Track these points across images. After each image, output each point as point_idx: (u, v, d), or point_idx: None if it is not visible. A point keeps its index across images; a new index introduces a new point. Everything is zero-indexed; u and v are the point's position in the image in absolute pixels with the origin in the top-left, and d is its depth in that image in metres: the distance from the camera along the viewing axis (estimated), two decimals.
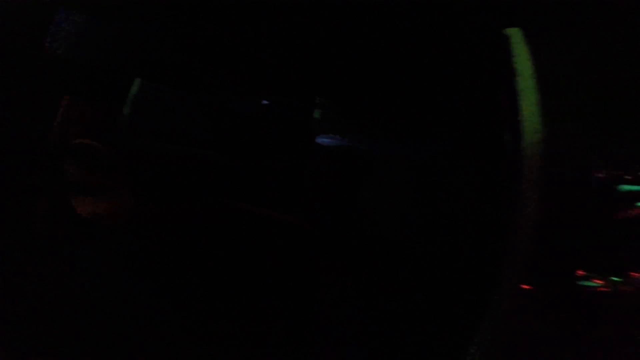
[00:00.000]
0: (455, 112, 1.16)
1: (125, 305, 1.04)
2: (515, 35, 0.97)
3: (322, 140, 1.44)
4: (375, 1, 1.17)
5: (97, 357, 1.00)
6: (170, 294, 1.14)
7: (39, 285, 0.98)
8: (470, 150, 1.07)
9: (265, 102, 1.54)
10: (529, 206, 0.64)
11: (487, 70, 1.07)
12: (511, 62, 0.91)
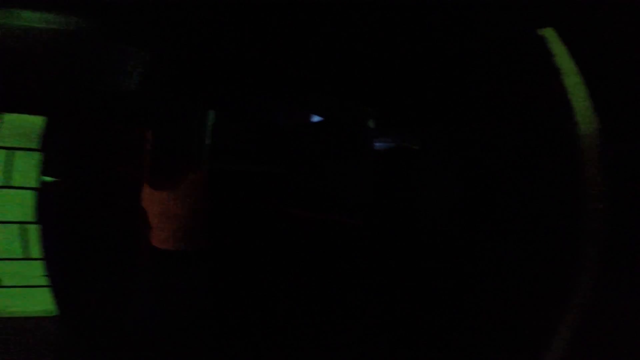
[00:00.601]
0: (497, 111, 1.64)
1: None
2: (550, 35, 1.28)
3: (378, 145, 2.35)
4: (417, 16, 1.70)
5: None
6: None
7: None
8: (522, 147, 1.45)
9: (320, 116, 2.53)
10: (594, 195, 0.91)
11: (523, 69, 1.49)
12: (551, 61, 1.18)
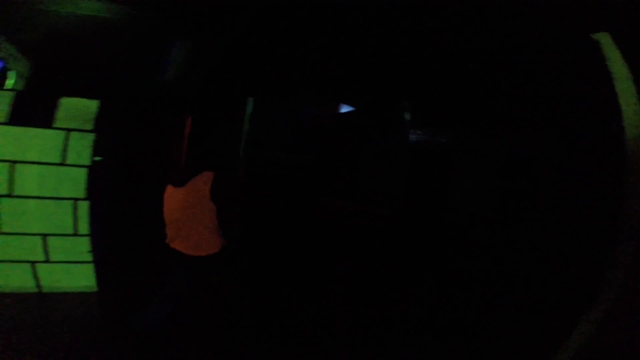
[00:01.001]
0: (549, 111, 1.75)
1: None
2: (604, 39, 1.37)
3: (414, 138, 2.53)
4: (464, 12, 1.80)
5: None
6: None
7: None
8: (568, 147, 1.55)
9: (358, 108, 2.79)
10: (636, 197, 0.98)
11: (578, 72, 1.59)
12: (605, 65, 1.27)
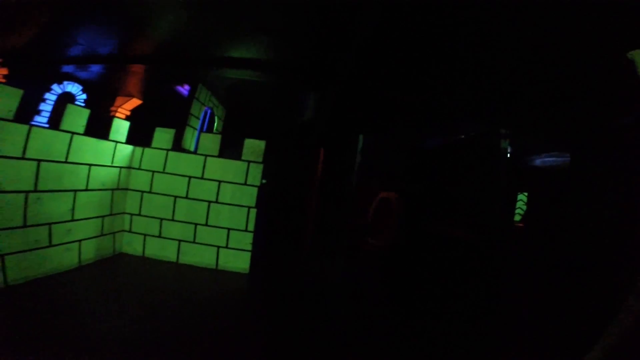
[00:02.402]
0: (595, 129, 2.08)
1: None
2: (638, 57, 1.66)
3: (515, 164, 3.08)
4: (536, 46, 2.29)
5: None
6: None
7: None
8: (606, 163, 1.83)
9: (461, 137, 3.45)
10: None
11: (614, 92, 1.91)
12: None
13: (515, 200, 2.43)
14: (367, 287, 3.14)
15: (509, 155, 2.68)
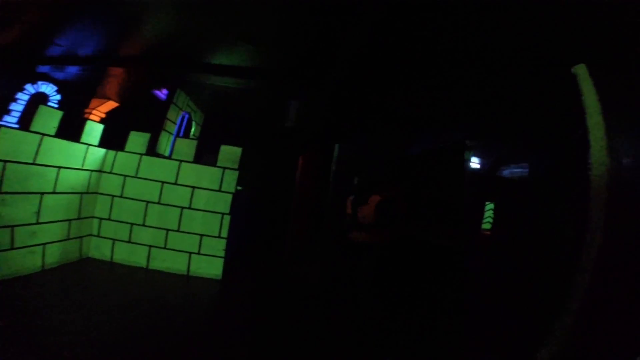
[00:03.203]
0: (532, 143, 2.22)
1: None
2: (581, 72, 1.72)
3: (472, 171, 3.29)
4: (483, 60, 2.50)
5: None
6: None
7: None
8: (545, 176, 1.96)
9: (435, 146, 3.71)
10: (596, 228, 1.00)
11: (559, 107, 2.02)
12: (580, 99, 1.36)
13: (483, 209, 2.57)
14: (345, 289, 3.23)
15: (478, 165, 2.82)
